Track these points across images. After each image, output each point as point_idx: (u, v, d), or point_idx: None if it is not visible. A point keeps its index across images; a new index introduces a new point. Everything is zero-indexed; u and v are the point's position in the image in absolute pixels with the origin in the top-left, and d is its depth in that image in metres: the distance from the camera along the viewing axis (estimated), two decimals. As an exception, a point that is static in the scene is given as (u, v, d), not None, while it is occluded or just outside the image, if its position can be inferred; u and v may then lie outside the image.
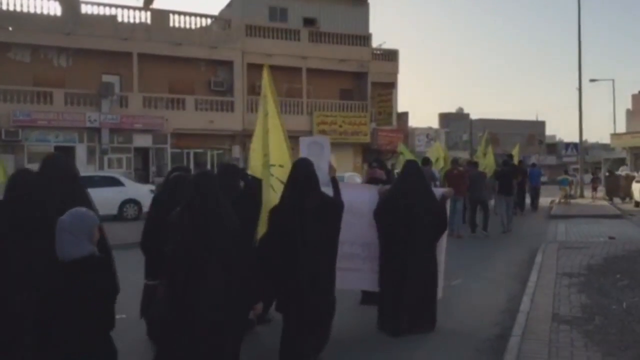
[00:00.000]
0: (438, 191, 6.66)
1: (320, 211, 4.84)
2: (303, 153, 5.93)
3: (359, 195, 6.19)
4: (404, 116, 35.65)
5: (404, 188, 6.15)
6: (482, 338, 5.82)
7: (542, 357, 4.90)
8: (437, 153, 17.85)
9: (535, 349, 5.08)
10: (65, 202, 3.68)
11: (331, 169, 5.86)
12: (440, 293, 6.23)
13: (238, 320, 3.93)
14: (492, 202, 15.71)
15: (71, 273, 3.24)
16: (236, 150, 29.01)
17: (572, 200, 25.21)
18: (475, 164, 15.55)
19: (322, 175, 5.41)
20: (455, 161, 15.04)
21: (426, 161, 13.76)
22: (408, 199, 6.01)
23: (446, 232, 6.43)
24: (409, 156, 16.21)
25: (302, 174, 4.93)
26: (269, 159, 5.55)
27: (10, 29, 24.33)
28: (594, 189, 28.17)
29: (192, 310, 3.73)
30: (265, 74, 5.80)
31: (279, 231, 4.81)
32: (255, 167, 5.83)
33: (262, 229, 5.26)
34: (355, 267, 6.12)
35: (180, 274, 3.77)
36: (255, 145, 5.90)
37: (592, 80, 38.67)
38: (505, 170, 15.79)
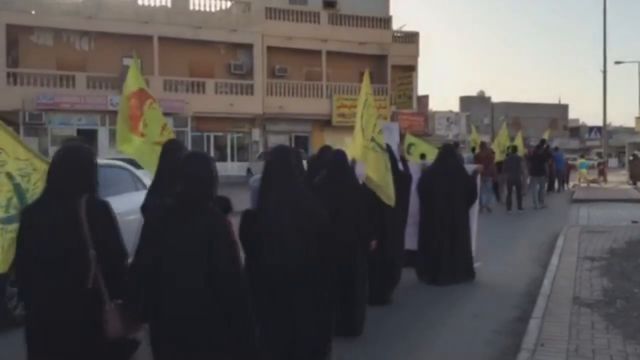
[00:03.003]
0: (470, 167, 8.16)
1: (398, 183, 6.06)
2: None
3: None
4: (424, 99, 35.38)
5: (442, 165, 7.56)
6: (502, 320, 5.83)
7: (562, 339, 4.90)
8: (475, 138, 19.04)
9: (556, 332, 5.08)
10: None
11: (400, 149, 7.16)
12: (474, 252, 7.61)
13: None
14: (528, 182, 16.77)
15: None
16: (256, 133, 29.09)
17: (595, 185, 25.06)
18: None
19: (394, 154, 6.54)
20: (483, 144, 16.46)
21: (456, 145, 15.36)
22: (446, 174, 7.39)
23: (477, 202, 7.77)
24: (421, 146, 15.59)
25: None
26: (376, 142, 6.06)
27: (33, 12, 24.58)
28: (601, 173, 27.53)
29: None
30: (366, 78, 6.47)
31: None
32: (356, 148, 6.26)
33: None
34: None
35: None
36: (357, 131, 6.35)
37: (617, 63, 37.79)
38: (538, 153, 17.27)
